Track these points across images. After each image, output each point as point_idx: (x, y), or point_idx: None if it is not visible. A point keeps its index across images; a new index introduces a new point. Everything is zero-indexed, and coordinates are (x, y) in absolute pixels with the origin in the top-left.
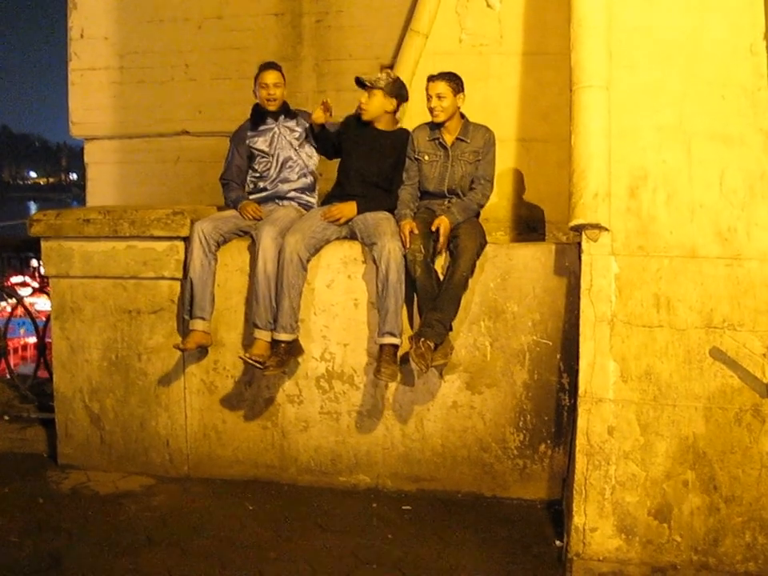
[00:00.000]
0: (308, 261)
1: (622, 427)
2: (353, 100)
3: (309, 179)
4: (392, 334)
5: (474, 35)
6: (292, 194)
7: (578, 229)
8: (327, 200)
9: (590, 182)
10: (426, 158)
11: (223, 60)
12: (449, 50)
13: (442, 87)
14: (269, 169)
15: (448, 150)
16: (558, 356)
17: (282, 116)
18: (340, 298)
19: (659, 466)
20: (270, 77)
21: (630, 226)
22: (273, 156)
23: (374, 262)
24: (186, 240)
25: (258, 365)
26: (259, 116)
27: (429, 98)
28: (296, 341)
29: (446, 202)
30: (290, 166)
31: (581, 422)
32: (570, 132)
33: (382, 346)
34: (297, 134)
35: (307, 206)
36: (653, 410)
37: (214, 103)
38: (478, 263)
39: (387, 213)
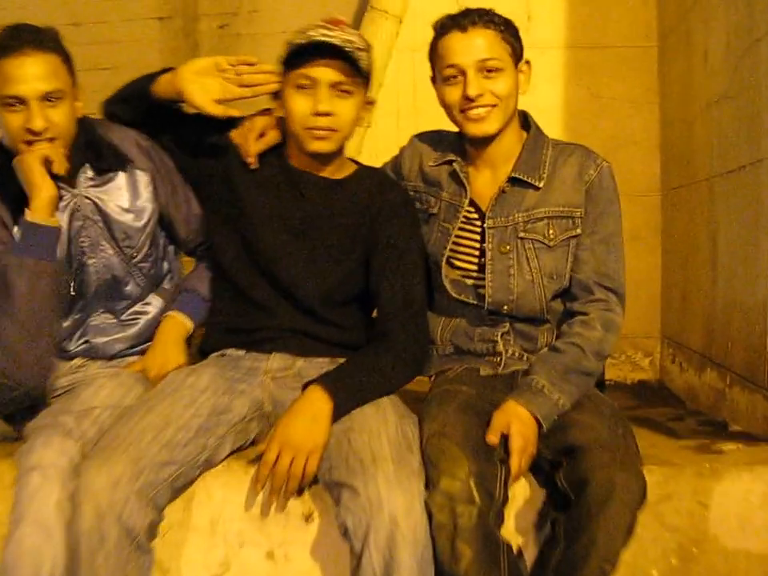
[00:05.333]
0: (153, 529)
1: None
2: None
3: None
4: None
5: None
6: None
7: None
8: (211, 343)
9: None
10: (433, 206)
11: (86, 85)
12: None
13: (492, 44)
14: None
15: (484, 215)
16: None
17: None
18: None
19: None
20: None
21: None
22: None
23: (345, 532)
24: None
25: None
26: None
27: (448, 77)
28: None
29: (503, 339)
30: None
31: None
32: None
33: None
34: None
35: None
36: None
37: None
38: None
39: (382, 397)
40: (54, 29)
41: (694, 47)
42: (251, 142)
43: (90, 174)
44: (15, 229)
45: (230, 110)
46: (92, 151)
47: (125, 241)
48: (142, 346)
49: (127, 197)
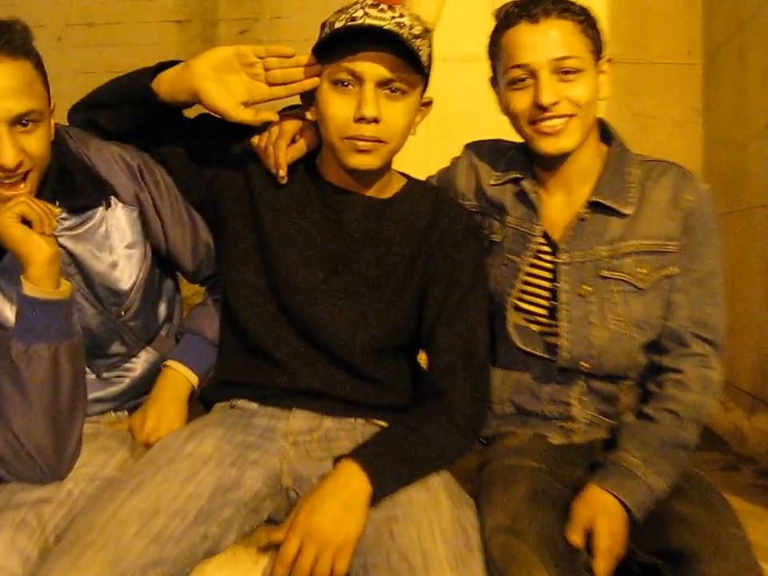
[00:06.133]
0: None
1: None
2: None
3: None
4: None
5: None
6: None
7: None
8: (216, 396)
9: None
10: (497, 232)
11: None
12: (472, 52)
13: (569, 39)
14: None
15: (556, 248)
16: None
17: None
18: None
19: None
20: None
21: None
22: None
23: None
24: None
25: None
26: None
27: (514, 79)
28: None
29: (578, 401)
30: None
31: None
32: None
33: None
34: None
35: None
36: None
37: None
38: None
39: (432, 477)
40: (21, 22)
41: (750, 64)
42: (282, 149)
43: (62, 214)
44: None
45: (263, 113)
46: (65, 183)
47: (109, 298)
48: (127, 404)
49: (111, 242)
